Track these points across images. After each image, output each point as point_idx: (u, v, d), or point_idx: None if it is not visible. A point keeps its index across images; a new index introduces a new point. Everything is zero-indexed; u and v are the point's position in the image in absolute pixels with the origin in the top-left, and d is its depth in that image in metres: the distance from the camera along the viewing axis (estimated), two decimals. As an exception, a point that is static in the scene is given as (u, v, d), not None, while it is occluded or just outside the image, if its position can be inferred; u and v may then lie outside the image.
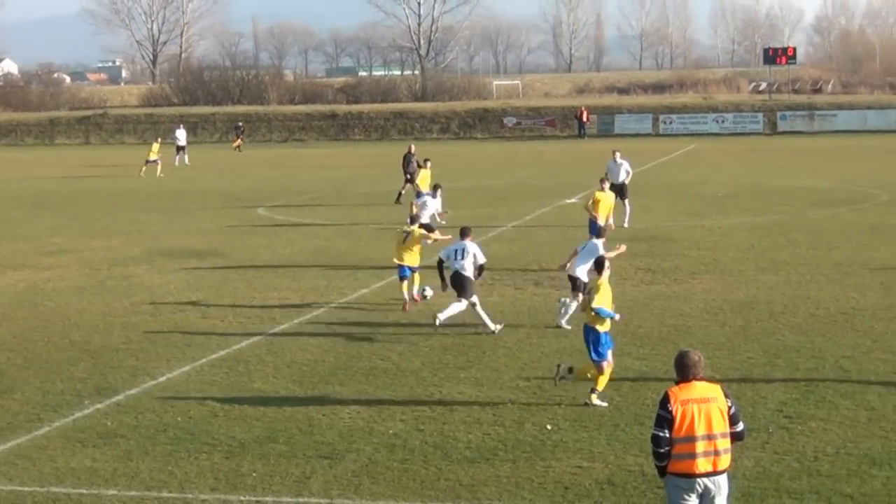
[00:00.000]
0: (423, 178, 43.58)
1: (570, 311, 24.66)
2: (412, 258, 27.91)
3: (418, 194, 39.45)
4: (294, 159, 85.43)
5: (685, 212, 45.39)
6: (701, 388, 11.98)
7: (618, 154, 43.23)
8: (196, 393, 20.43)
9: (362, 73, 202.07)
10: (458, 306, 24.40)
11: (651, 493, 14.99)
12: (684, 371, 12.05)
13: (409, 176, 50.37)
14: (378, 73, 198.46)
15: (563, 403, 19.17)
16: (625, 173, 42.11)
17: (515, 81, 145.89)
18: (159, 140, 78.75)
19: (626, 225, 39.89)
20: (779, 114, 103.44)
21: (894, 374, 20.41)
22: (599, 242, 24.99)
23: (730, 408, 12.00)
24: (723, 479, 11.95)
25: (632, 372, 21.10)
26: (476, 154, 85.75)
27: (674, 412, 11.82)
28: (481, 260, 25.10)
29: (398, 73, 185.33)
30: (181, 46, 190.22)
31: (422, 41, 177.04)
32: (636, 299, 27.81)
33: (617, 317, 19.63)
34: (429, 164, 44.76)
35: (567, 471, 16.01)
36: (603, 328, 19.21)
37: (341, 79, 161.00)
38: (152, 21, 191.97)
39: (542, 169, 69.31)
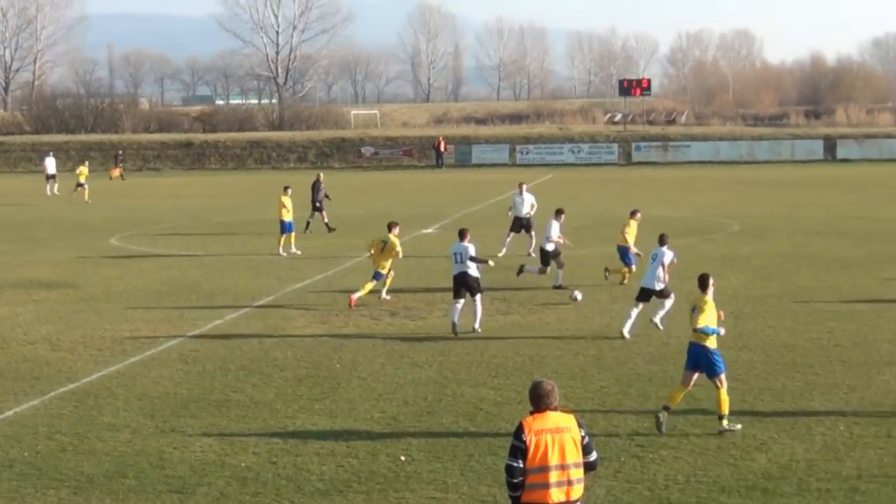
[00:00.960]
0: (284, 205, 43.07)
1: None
2: (386, 264, 31.92)
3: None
4: (149, 188, 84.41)
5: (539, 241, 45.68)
6: (555, 418, 12.05)
7: (524, 187, 43.21)
8: (44, 427, 20.04)
9: (219, 102, 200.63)
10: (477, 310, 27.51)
11: (504, 524, 15.06)
12: (538, 401, 12.11)
13: (317, 204, 50.53)
14: (235, 101, 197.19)
15: (418, 435, 19.17)
16: (529, 206, 42.24)
17: (373, 111, 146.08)
18: (87, 163, 78.06)
19: (532, 253, 40.61)
20: (633, 144, 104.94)
21: (742, 401, 20.77)
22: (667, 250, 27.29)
23: (583, 438, 12.08)
24: (576, 509, 12.06)
25: (486, 402, 21.19)
26: (333, 183, 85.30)
27: (528, 442, 11.86)
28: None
29: (255, 101, 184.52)
30: (34, 73, 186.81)
31: (280, 70, 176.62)
32: (491, 329, 27.94)
33: (722, 331, 19.46)
34: (289, 191, 44.24)
35: (421, 502, 16.01)
36: (712, 345, 19.10)
37: (198, 107, 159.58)
38: (4, 47, 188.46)
39: (399, 199, 69.39)
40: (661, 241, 27.69)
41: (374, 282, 32.01)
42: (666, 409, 19.13)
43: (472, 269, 27.77)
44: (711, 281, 19.93)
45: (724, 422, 19.04)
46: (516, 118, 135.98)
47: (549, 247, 34.43)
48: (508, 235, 42.03)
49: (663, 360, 24.36)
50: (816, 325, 27.81)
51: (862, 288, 33.04)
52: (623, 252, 35.02)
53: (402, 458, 17.94)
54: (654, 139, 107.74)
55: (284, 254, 42.38)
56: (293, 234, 43.35)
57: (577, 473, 11.97)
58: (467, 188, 74.64)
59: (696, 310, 19.36)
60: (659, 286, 26.99)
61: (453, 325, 27.37)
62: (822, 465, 17.19)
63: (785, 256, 39.69)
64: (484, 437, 18.94)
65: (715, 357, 19.07)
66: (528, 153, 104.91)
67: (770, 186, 73.60)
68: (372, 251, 32.50)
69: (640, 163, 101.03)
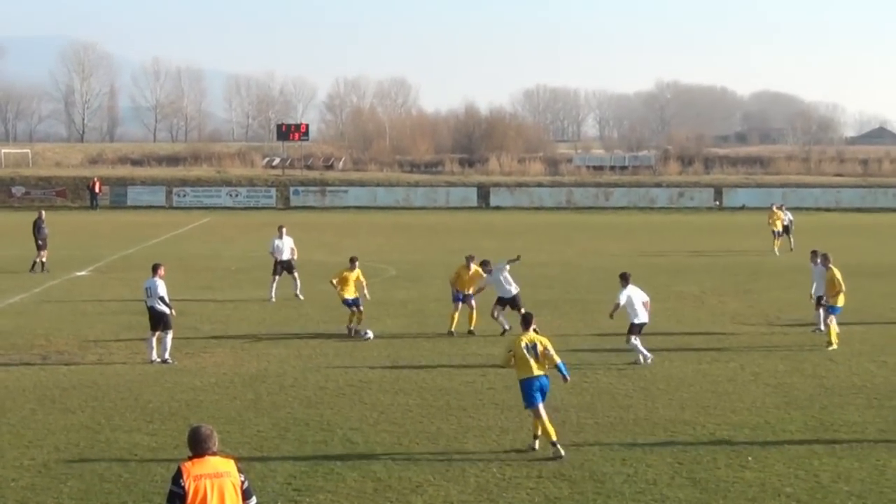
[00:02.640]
0: None
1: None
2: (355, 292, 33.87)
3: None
4: None
5: (198, 286, 45.34)
6: (214, 463, 12.01)
7: (283, 230, 42.99)
8: None
9: None
10: None
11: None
12: (197, 446, 12.05)
13: (40, 243, 49.87)
14: None
15: (70, 482, 18.68)
16: (289, 250, 42.12)
17: (25, 150, 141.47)
18: None
19: (299, 294, 41.14)
20: (291, 189, 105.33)
21: (398, 444, 21.10)
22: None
23: (243, 483, 12.10)
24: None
25: (141, 447, 20.85)
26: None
27: (186, 487, 11.78)
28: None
29: None
30: None
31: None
32: (146, 374, 27.55)
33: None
34: None
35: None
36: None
37: None
38: None
39: (53, 241, 67.32)
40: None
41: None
42: (553, 444, 20.26)
43: (159, 305, 28.87)
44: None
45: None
46: (173, 160, 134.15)
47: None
48: (273, 280, 41.68)
49: (320, 404, 24.50)
50: (471, 368, 28.49)
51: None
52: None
53: (52, 507, 17.46)
54: (312, 184, 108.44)
55: None
56: None
57: (236, 520, 11.97)
58: (123, 230, 73.35)
59: (536, 348, 20.62)
60: None
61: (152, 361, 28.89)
62: (475, 506, 17.62)
63: (440, 301, 40.44)
64: (138, 484, 18.62)
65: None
66: (185, 196, 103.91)
67: (426, 232, 75.08)
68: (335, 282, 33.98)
69: (298, 207, 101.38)
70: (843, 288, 31.61)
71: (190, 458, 12.06)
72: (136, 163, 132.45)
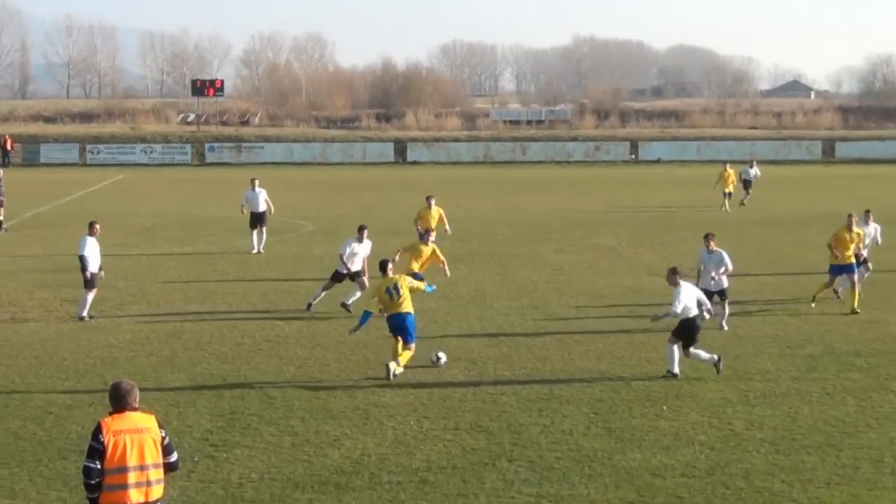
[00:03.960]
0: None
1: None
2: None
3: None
4: None
5: (112, 242, 44.86)
6: (135, 419, 11.96)
7: (256, 182, 43.09)
8: None
9: None
10: None
11: (75, 528, 14.80)
12: (117, 401, 12.00)
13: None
14: None
15: (-16, 440, 18.57)
16: (264, 202, 42.36)
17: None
18: None
19: (261, 250, 41.61)
20: (207, 145, 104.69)
21: (316, 398, 21.13)
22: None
23: (164, 438, 12.06)
24: (152, 510, 12.02)
25: (56, 405, 20.70)
26: None
27: (106, 443, 11.72)
28: None
29: None
30: None
31: None
32: (61, 331, 27.36)
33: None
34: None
35: (-14, 510, 15.53)
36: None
37: None
38: None
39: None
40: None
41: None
42: (392, 361, 22.52)
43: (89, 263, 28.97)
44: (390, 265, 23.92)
45: (394, 365, 22.45)
46: (87, 117, 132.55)
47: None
48: (251, 234, 42.16)
49: (237, 359, 24.46)
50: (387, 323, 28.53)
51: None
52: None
53: (-34, 465, 17.33)
54: (227, 140, 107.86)
55: None
56: None
57: (157, 474, 11.95)
58: (35, 188, 72.53)
59: (397, 288, 22.94)
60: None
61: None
62: (393, 459, 17.68)
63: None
64: (54, 442, 18.50)
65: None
66: (99, 153, 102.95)
67: (343, 188, 74.97)
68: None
69: (213, 163, 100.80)
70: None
71: (111, 414, 12.01)
72: (48, 120, 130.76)
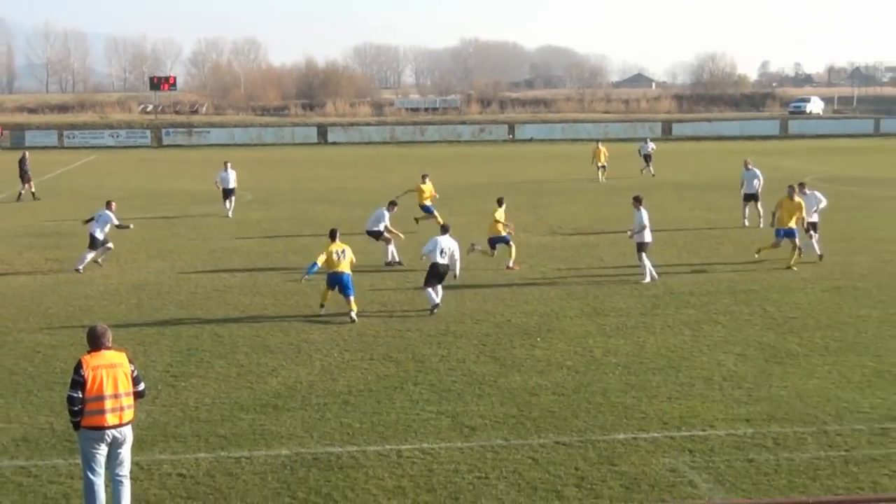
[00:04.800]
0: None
1: None
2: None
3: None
4: None
5: (87, 211, 44.08)
6: (109, 356, 11.96)
7: (229, 164, 43.59)
8: None
9: None
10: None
11: (60, 446, 14.61)
12: (94, 341, 12.00)
13: (29, 176, 50.15)
14: None
15: (-17, 376, 18.25)
16: (233, 180, 42.83)
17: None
18: None
19: (230, 215, 41.94)
20: (164, 130, 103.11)
21: (257, 337, 21.02)
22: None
23: (133, 371, 12.10)
24: (128, 430, 12.04)
25: (43, 346, 20.42)
26: None
27: (86, 376, 11.72)
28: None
29: None
30: None
31: None
32: (45, 285, 26.94)
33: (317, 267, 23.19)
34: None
35: (-13, 433, 15.28)
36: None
37: None
38: None
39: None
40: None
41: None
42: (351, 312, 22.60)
43: (98, 232, 29.19)
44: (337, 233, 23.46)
45: (353, 314, 22.50)
46: (64, 108, 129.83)
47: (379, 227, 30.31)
48: (224, 203, 42.64)
49: (192, 306, 24.27)
50: (315, 275, 28.40)
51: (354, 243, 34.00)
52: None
53: (-31, 397, 17.04)
54: (180, 126, 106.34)
55: None
56: None
57: (129, 401, 11.98)
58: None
59: (344, 252, 22.91)
60: None
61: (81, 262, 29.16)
62: (320, 385, 17.67)
63: (289, 220, 40.28)
64: (42, 376, 18.26)
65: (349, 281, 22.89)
66: (74, 138, 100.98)
67: (276, 165, 74.28)
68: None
69: (169, 146, 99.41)
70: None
71: (89, 352, 11.97)
72: (32, 111, 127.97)
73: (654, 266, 27.29)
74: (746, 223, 37.57)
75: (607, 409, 16.17)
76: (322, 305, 23.28)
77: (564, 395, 16.96)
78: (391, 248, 30.22)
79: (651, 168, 60.72)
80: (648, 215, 27.30)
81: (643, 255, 27.06)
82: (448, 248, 23.74)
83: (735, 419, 15.71)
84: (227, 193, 42.66)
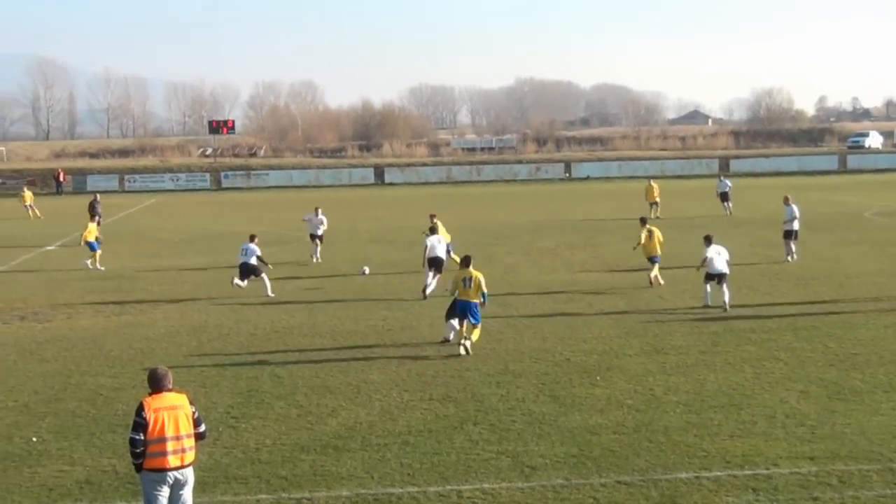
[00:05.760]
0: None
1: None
2: None
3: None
4: None
5: (147, 255, 44.78)
6: (170, 398, 12.02)
7: (319, 210, 42.57)
8: None
9: None
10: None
11: (123, 489, 14.70)
12: (155, 383, 12.07)
13: (98, 219, 51.41)
14: None
15: (47, 418, 18.43)
16: (321, 226, 41.71)
17: (0, 148, 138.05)
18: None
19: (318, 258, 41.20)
20: (222, 173, 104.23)
21: (316, 377, 21.06)
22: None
23: (194, 413, 12.15)
24: (189, 472, 12.08)
25: (105, 388, 20.59)
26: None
27: (147, 418, 11.78)
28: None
29: None
30: None
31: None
32: (108, 328, 27.20)
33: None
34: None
35: (51, 475, 15.41)
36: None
37: None
38: None
39: (25, 222, 66.19)
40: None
41: None
42: (464, 339, 23.09)
43: (252, 260, 32.17)
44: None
45: (468, 344, 22.91)
46: (124, 153, 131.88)
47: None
48: (312, 245, 41.68)
49: (252, 347, 24.36)
50: (373, 314, 28.50)
51: (407, 284, 34.13)
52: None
53: (34, 438, 17.21)
54: (239, 169, 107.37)
55: (91, 267, 39.63)
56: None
57: (190, 442, 12.02)
58: (84, 211, 71.57)
59: (470, 280, 23.24)
60: None
61: (236, 285, 32.22)
62: (380, 425, 17.64)
63: (346, 261, 40.46)
64: (104, 418, 18.41)
65: (478, 310, 23.28)
66: (135, 181, 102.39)
67: (333, 205, 74.59)
68: None
69: (228, 188, 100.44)
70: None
71: (150, 394, 12.05)
72: (93, 156, 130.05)
73: (709, 297, 28.34)
74: (789, 259, 37.30)
75: (669, 448, 16.00)
76: (468, 339, 23.27)
77: (625, 433, 16.81)
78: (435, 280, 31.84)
79: (729, 206, 58.40)
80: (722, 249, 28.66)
81: (709, 284, 28.48)
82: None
83: (799, 457, 15.48)
84: (315, 238, 41.45)
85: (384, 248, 44.80)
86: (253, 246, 32.63)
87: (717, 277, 28.19)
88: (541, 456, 15.77)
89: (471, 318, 23.31)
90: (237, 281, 32.33)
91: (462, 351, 22.82)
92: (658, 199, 58.28)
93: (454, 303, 23.77)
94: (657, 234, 32.93)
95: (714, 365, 21.49)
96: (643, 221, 33.92)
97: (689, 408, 18.27)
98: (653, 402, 18.67)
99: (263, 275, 32.30)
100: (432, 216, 37.58)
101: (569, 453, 15.86)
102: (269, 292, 31.93)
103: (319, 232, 41.62)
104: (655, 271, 32.51)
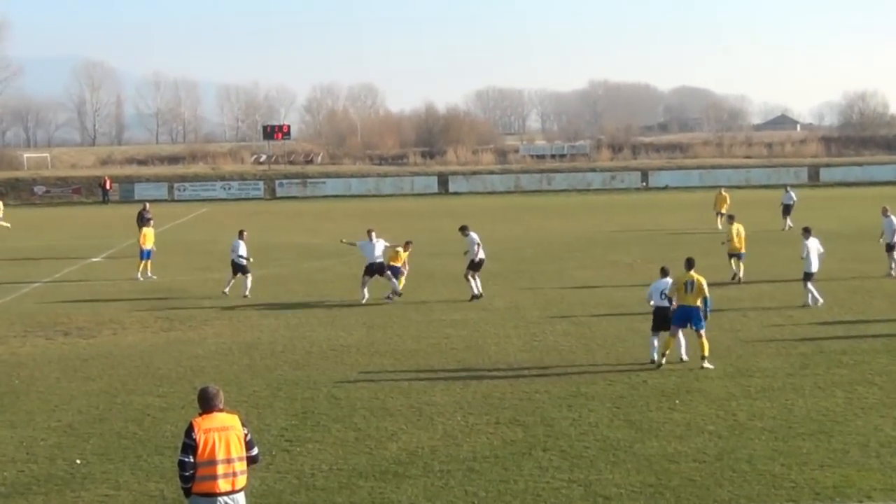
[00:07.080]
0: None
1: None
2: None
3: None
4: None
5: (197, 267, 45.21)
6: (221, 418, 12.03)
7: (373, 233, 35.47)
8: None
9: None
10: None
11: (171, 514, 14.82)
12: (206, 403, 12.08)
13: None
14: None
15: (92, 440, 18.63)
16: (381, 252, 35.80)
17: (44, 154, 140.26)
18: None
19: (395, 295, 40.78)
20: (277, 181, 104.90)
21: (375, 399, 21.11)
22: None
23: (246, 435, 12.14)
24: (240, 497, 12.07)
25: (152, 408, 20.78)
26: (9, 219, 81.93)
27: (197, 439, 11.80)
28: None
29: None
30: None
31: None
32: (155, 344, 27.46)
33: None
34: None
35: (95, 499, 15.56)
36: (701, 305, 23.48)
37: None
38: None
39: (70, 232, 67.12)
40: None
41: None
42: (662, 354, 23.30)
43: (239, 259, 36.02)
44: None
45: (705, 362, 23.08)
46: (174, 159, 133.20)
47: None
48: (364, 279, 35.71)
49: (307, 366, 24.48)
50: (435, 332, 28.53)
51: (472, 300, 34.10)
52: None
53: (78, 461, 17.40)
54: (294, 177, 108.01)
55: (142, 278, 40.93)
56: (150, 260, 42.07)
57: (242, 466, 12.01)
58: (131, 221, 72.26)
59: (692, 284, 23.21)
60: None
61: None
62: (443, 450, 17.63)
63: (409, 275, 40.48)
64: (151, 440, 18.57)
65: (701, 314, 23.21)
66: (185, 190, 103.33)
67: (394, 216, 74.97)
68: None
69: (283, 197, 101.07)
70: None
71: (200, 415, 12.08)
72: (141, 163, 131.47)
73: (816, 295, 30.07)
74: (893, 274, 36.77)
75: (753, 478, 15.82)
76: (663, 356, 23.52)
77: (706, 462, 16.65)
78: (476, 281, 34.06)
79: (789, 220, 57.66)
80: (819, 243, 31.07)
81: (808, 283, 30.38)
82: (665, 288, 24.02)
83: (894, 489, 15.23)
84: (375, 270, 35.00)
85: (447, 261, 44.79)
86: (239, 242, 36.21)
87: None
88: (615, 485, 15.66)
89: (693, 326, 23.27)
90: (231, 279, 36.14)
91: (706, 364, 23.13)
92: (726, 210, 57.50)
93: (662, 311, 23.73)
94: (742, 231, 36.97)
95: (802, 389, 21.24)
96: (731, 219, 37.74)
97: (776, 435, 18.05)
98: (736, 429, 18.48)
99: (249, 274, 35.88)
100: (408, 243, 37.33)
101: (645, 482, 15.74)
102: (247, 292, 35.23)
103: (378, 259, 35.13)
104: (741, 269, 35.98)
